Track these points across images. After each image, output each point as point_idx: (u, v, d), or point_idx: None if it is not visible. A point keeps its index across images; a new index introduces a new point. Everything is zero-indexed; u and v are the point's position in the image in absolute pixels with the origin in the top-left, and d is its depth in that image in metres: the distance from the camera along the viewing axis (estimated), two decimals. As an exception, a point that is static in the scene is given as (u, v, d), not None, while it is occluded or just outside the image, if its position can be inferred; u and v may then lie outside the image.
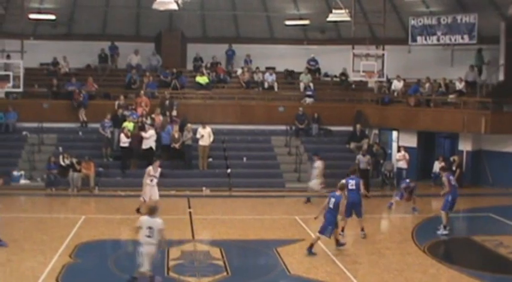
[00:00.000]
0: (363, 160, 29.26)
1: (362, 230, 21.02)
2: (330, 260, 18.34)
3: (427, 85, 34.24)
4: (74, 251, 19.02)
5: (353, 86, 37.93)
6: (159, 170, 24.35)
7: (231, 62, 40.35)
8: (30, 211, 26.42)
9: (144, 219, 15.37)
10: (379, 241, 20.24)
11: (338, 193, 19.38)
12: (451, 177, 22.42)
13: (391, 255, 18.94)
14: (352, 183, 21.42)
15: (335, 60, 38.18)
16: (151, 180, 23.75)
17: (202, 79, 37.03)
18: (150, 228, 15.22)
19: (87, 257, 18.93)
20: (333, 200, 19.13)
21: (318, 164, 27.86)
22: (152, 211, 15.55)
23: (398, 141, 34.60)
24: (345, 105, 36.24)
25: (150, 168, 24.09)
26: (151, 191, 23.70)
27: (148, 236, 15.16)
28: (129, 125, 31.70)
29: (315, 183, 27.65)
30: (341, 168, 30.52)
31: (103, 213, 24.42)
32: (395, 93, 35.44)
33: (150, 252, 15.25)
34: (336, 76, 39.40)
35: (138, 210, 23.11)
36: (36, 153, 32.49)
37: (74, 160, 29.96)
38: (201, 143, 31.59)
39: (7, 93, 35.06)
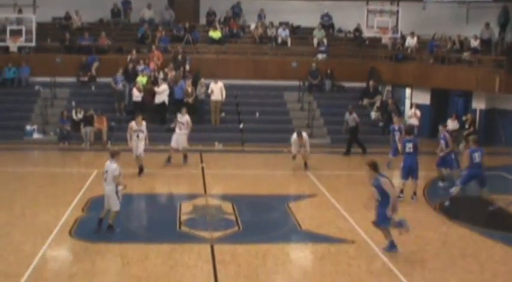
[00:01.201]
0: (349, 118, 28.81)
1: (414, 194, 20.45)
2: (341, 216, 18.42)
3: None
4: (86, 205, 19.19)
5: (367, 42, 37.69)
6: (144, 124, 23.79)
7: (240, 19, 40.03)
8: (44, 165, 26.58)
9: (106, 164, 16.49)
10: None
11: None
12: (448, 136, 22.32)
13: (402, 213, 18.92)
14: (409, 146, 20.47)
15: (349, 16, 37.89)
16: (138, 136, 23.34)
17: (215, 34, 36.90)
18: (106, 172, 16.29)
19: (99, 210, 19.04)
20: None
21: None
22: (112, 155, 16.50)
23: (411, 99, 34.49)
24: (358, 61, 36.05)
25: (133, 123, 23.79)
26: (137, 145, 23.31)
27: (105, 179, 16.36)
28: (141, 79, 31.74)
29: None
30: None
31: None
32: (409, 50, 35.23)
33: (106, 194, 16.44)
34: (349, 32, 39.17)
35: (140, 170, 23.32)
36: (49, 107, 32.58)
37: (87, 114, 30.05)
38: (213, 98, 31.62)
39: (20, 48, 35.09)
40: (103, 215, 16.52)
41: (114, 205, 16.26)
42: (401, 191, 20.05)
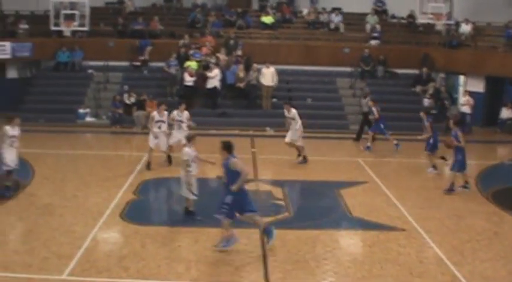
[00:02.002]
0: (363, 102, 28.74)
1: (466, 182, 19.97)
2: (392, 204, 18.28)
3: None
4: (137, 188, 19.34)
5: (420, 28, 37.27)
6: (166, 113, 22.12)
7: (296, 3, 39.89)
8: (96, 148, 26.86)
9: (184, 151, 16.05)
10: (441, 186, 20.03)
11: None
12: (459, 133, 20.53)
13: (453, 201, 18.78)
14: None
15: (402, 2, 37.47)
16: (160, 127, 21.79)
17: (267, 19, 36.87)
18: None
19: (150, 194, 19.24)
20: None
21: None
22: (188, 140, 16.28)
23: (465, 86, 34.05)
24: (411, 47, 35.73)
25: (155, 113, 22.11)
26: (159, 139, 21.79)
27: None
28: (192, 64, 31.86)
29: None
30: (406, 112, 30.43)
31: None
32: (464, 37, 34.75)
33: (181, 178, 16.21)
34: (403, 18, 38.78)
35: (148, 166, 21.72)
36: (102, 91, 32.99)
37: (140, 98, 30.29)
38: (264, 83, 31.63)
39: (73, 32, 35.52)
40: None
41: (185, 193, 16.20)
42: (467, 182, 19.80)
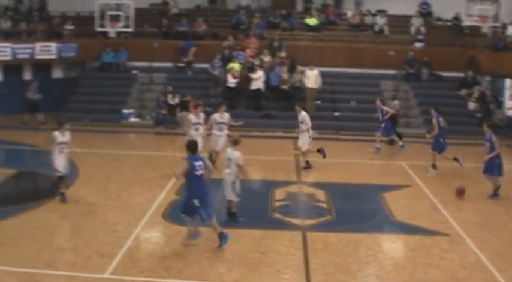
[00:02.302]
0: (392, 105, 28.57)
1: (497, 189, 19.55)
2: (435, 208, 18.12)
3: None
4: (180, 189, 19.36)
5: (466, 30, 36.87)
6: (203, 116, 21.60)
7: (340, 5, 39.76)
8: (139, 148, 27.04)
9: (227, 151, 16.13)
10: (485, 191, 19.76)
11: None
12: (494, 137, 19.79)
13: (496, 206, 18.55)
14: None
15: (448, 4, 37.05)
16: (197, 130, 21.16)
17: (311, 21, 36.79)
18: (229, 159, 15.87)
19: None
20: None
21: None
22: (234, 143, 16.14)
23: (511, 90, 33.61)
24: (456, 50, 35.30)
25: (191, 115, 21.56)
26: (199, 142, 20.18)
27: (228, 166, 15.98)
28: (235, 65, 31.93)
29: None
30: (450, 115, 30.04)
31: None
32: (510, 39, 34.30)
33: (224, 180, 16.13)
34: (448, 20, 38.40)
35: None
36: (146, 92, 33.24)
37: (184, 99, 30.40)
38: (308, 85, 31.57)
39: (118, 33, 35.82)
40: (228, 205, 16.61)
41: (230, 195, 16.20)
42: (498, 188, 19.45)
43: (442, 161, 24.25)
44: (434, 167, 22.78)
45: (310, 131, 22.88)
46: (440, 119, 22.77)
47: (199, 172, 14.05)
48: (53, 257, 13.47)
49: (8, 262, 13.17)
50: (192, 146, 14.40)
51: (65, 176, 18.04)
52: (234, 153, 15.87)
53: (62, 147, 17.69)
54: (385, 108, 26.49)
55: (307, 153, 23.01)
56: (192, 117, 21.37)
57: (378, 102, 26.90)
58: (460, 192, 19.34)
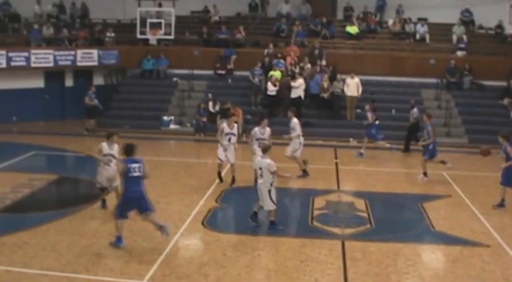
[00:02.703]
0: (412, 113, 28.60)
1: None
2: (476, 219, 17.91)
3: None
4: (220, 196, 19.43)
5: (509, 39, 36.47)
6: (236, 126, 21.19)
7: (381, 13, 39.59)
8: (179, 155, 27.10)
9: (257, 160, 16.13)
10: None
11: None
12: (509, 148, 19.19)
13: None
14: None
15: (490, 12, 36.66)
16: (229, 140, 20.65)
17: (352, 29, 36.66)
18: (260, 168, 15.82)
19: (232, 202, 19.27)
20: None
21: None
22: (263, 150, 16.16)
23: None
24: (499, 59, 34.92)
25: (225, 124, 20.93)
26: (228, 151, 20.74)
27: (260, 176, 15.90)
28: (275, 73, 31.94)
29: None
30: (492, 125, 29.79)
31: (250, 160, 24.57)
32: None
33: (259, 190, 16.08)
34: (490, 28, 37.97)
35: (219, 174, 21.06)
36: (186, 99, 33.34)
37: (224, 106, 30.46)
38: (348, 93, 31.46)
39: (159, 41, 36.11)
40: (257, 208, 16.62)
41: (266, 204, 16.13)
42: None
43: (483, 171, 24.05)
44: (425, 174, 22.54)
45: (301, 138, 22.52)
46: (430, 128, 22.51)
47: (134, 174, 14.38)
48: (91, 262, 13.56)
49: (48, 266, 13.30)
50: (128, 149, 14.57)
51: (107, 187, 17.62)
52: (265, 161, 15.85)
53: (109, 159, 17.10)
54: (370, 114, 26.44)
55: (297, 160, 22.70)
56: (225, 126, 20.81)
57: (366, 107, 27.22)
58: (485, 153, 19.27)
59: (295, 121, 22.33)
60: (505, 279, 13.48)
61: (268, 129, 20.60)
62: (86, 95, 31.08)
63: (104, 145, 17.10)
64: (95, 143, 21.98)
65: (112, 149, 17.15)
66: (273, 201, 16.00)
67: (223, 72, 35.00)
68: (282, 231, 16.05)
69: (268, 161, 15.80)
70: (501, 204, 18.96)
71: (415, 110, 28.32)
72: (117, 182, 16.31)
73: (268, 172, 15.74)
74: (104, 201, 17.85)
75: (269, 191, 15.92)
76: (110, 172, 17.17)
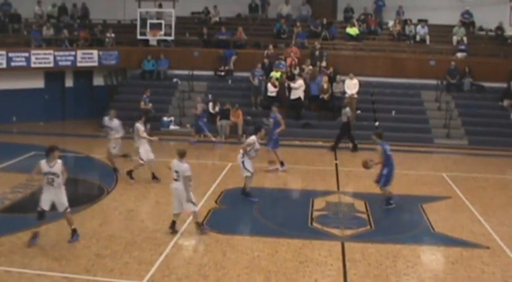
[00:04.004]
0: (344, 112, 28.42)
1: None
2: (476, 220, 17.91)
3: None
4: (219, 197, 19.43)
5: (509, 40, 36.46)
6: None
7: (380, 14, 39.55)
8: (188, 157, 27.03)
9: (173, 163, 15.96)
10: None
11: None
12: (387, 147, 19.36)
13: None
14: None
15: (491, 14, 36.69)
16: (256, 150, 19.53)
17: (352, 30, 36.65)
18: (176, 172, 15.75)
19: (232, 203, 19.24)
20: None
21: None
22: (180, 155, 15.98)
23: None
24: (499, 60, 34.90)
25: (253, 137, 19.51)
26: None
27: (176, 179, 15.82)
28: (276, 74, 31.92)
29: None
30: (492, 126, 29.83)
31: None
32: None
33: (175, 194, 15.91)
34: (491, 30, 37.96)
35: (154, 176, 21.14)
36: (186, 100, 33.26)
37: (224, 107, 30.44)
38: (347, 93, 31.41)
39: (159, 41, 36.08)
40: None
41: (187, 207, 15.88)
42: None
43: (482, 173, 24.07)
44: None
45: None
46: (387, 147, 19.55)
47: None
48: (91, 263, 13.55)
49: (48, 267, 13.30)
50: (47, 150, 14.73)
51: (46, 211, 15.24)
52: (183, 166, 15.71)
53: (51, 178, 14.60)
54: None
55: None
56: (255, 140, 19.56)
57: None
58: (365, 165, 19.26)
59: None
60: (505, 281, 13.47)
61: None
62: (141, 99, 30.98)
63: (43, 163, 14.64)
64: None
65: (52, 166, 14.65)
66: (192, 202, 15.83)
67: (223, 73, 34.98)
68: (281, 232, 16.03)
69: (186, 166, 15.68)
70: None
71: (347, 109, 28.29)
72: (64, 206, 14.87)
73: (182, 176, 15.61)
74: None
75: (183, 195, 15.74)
76: (52, 194, 14.83)
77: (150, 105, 31.14)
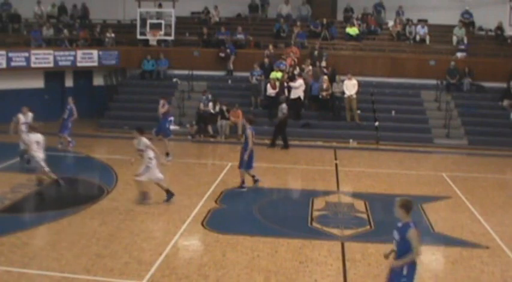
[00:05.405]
0: (280, 108, 28.94)
1: None
2: (476, 220, 17.91)
3: None
4: (219, 197, 19.42)
5: (509, 40, 36.46)
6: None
7: (380, 18, 39.48)
8: (179, 156, 26.98)
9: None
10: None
11: None
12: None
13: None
14: None
15: (490, 14, 36.70)
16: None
17: (352, 30, 36.65)
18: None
19: (232, 203, 19.24)
20: None
21: None
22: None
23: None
24: (499, 60, 34.90)
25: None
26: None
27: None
28: (276, 74, 31.91)
29: None
30: (492, 126, 29.84)
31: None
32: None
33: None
34: (490, 30, 37.97)
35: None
36: (186, 100, 33.26)
37: (223, 107, 30.44)
38: (346, 94, 31.41)
39: (159, 41, 36.10)
40: None
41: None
42: None
43: (482, 173, 24.08)
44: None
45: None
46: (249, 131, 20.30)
47: None
48: (91, 263, 13.53)
49: (47, 266, 13.28)
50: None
51: None
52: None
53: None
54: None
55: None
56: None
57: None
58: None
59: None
60: (504, 281, 13.47)
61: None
62: (200, 100, 31.05)
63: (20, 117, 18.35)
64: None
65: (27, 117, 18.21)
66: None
67: (223, 54, 35.13)
68: (280, 232, 16.03)
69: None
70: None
71: (283, 105, 28.37)
72: None
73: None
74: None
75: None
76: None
77: (210, 106, 30.97)
